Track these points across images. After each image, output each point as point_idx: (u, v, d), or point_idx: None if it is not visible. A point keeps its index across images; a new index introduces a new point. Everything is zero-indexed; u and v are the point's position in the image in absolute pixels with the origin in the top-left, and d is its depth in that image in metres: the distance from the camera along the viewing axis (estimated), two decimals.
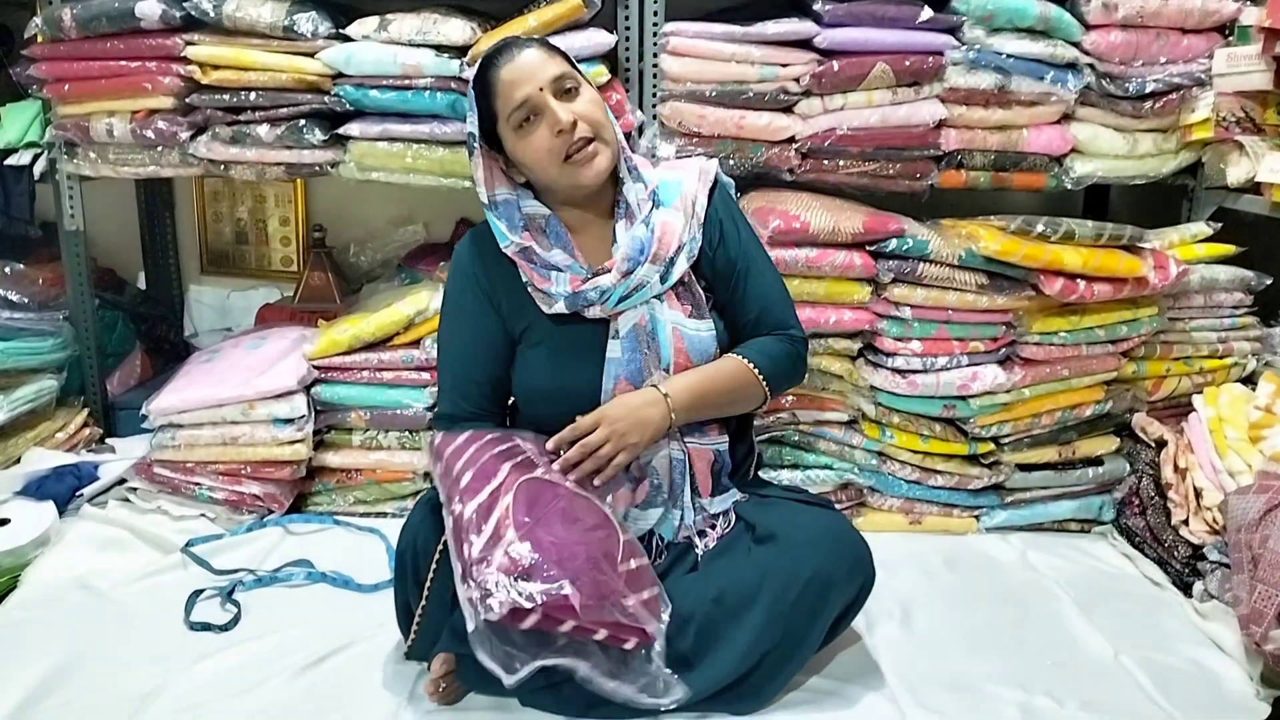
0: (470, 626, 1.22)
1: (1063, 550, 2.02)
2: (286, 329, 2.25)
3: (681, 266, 1.50)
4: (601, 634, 1.27)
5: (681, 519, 1.52)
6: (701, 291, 1.54)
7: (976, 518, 2.10)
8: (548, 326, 1.51)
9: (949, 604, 1.80)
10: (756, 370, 1.52)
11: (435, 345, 1.99)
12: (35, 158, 2.24)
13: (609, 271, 1.48)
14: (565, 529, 1.29)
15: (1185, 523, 1.88)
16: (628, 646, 1.30)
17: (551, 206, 1.53)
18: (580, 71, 1.52)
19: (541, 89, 1.44)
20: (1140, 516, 2.02)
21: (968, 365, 2.00)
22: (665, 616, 1.33)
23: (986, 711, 1.48)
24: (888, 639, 1.66)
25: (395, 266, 2.53)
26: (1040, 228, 1.93)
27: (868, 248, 1.96)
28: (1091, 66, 2.05)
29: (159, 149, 2.12)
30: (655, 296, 1.50)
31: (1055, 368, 2.03)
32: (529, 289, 1.51)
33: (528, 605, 1.21)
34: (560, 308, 1.48)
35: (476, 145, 1.49)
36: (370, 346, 2.05)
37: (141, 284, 2.75)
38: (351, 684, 1.50)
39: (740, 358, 1.53)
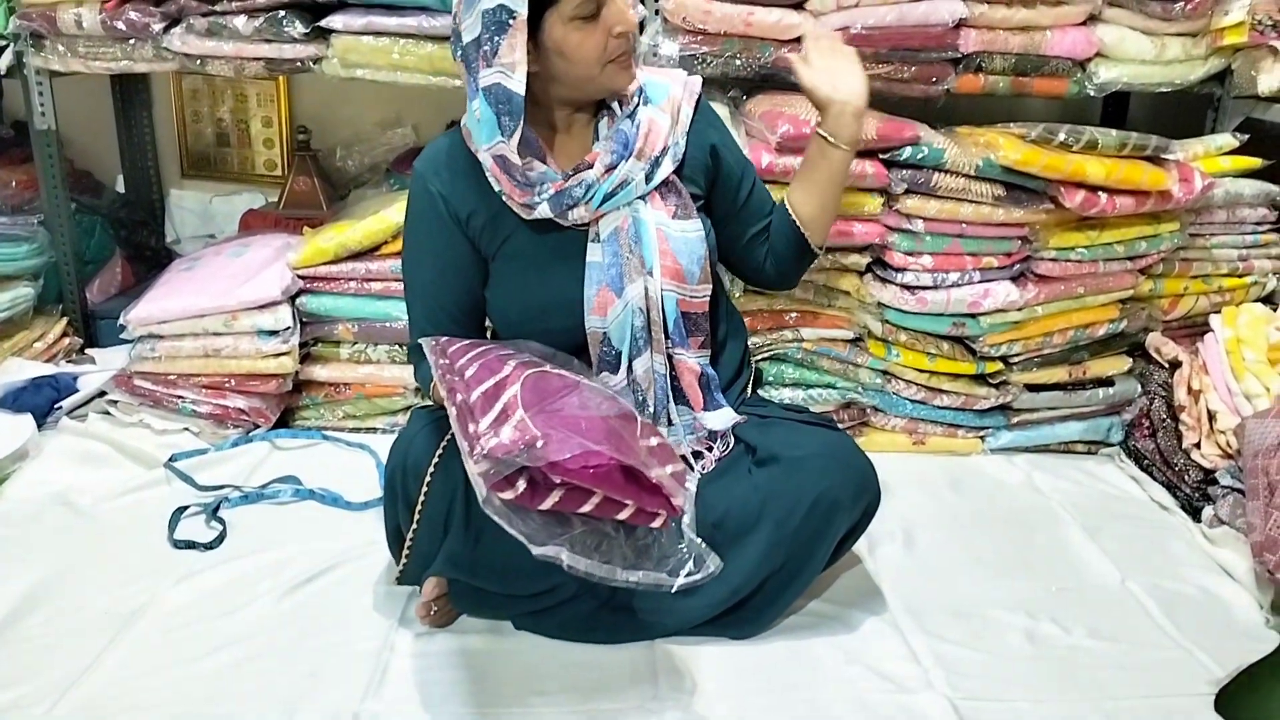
0: (480, 495, 1.09)
1: (1069, 472, 1.98)
2: (270, 236, 2.16)
3: (666, 168, 1.41)
4: (627, 511, 1.15)
5: (678, 437, 1.46)
6: (687, 192, 1.45)
7: (981, 438, 2.05)
8: (525, 237, 1.41)
9: (952, 526, 1.76)
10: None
11: None
12: (0, 50, 2.11)
13: (591, 167, 1.37)
14: (579, 409, 1.18)
15: (1197, 446, 1.84)
16: (656, 524, 1.17)
17: (539, 105, 1.40)
18: None
19: None
20: (1150, 439, 1.98)
21: (980, 281, 1.93)
22: (691, 488, 1.27)
23: (990, 637, 1.44)
24: (890, 562, 1.62)
25: (383, 171, 2.43)
26: (1062, 136, 1.83)
27: (880, 156, 1.86)
28: None
29: (131, 42, 2.00)
30: (639, 197, 1.41)
31: (1070, 285, 1.95)
32: (504, 198, 1.40)
33: (541, 463, 1.09)
34: (544, 211, 1.37)
35: (514, 20, 1.26)
36: (357, 255, 1.96)
37: (120, 187, 2.65)
38: (340, 605, 1.47)
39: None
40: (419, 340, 1.37)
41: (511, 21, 1.25)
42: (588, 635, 1.37)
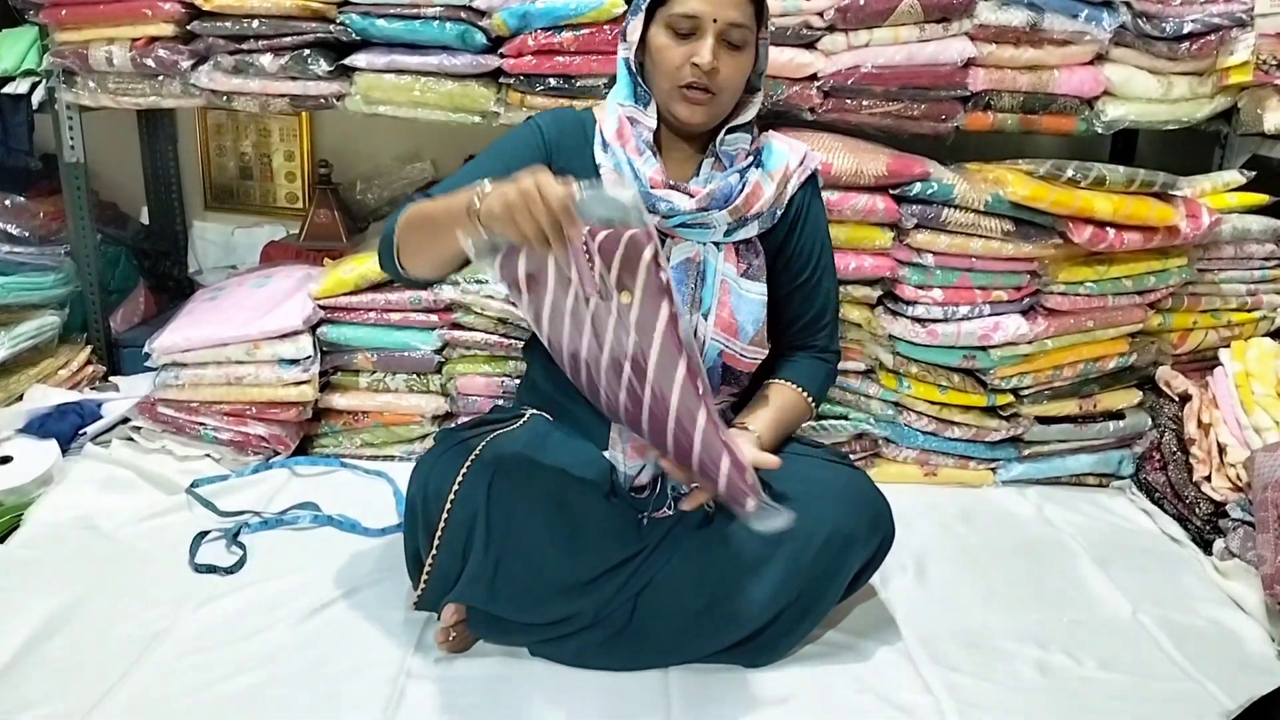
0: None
1: (1080, 505, 1.99)
2: (292, 268, 2.20)
3: (752, 230, 1.45)
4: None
5: None
6: (764, 258, 1.48)
7: (993, 470, 2.07)
8: None
9: (964, 558, 1.77)
10: (813, 404, 1.55)
11: (443, 285, 1.95)
12: (33, 86, 2.17)
13: (691, 196, 1.41)
14: None
15: (1208, 479, 1.85)
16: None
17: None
18: (762, 29, 1.43)
19: (715, 20, 1.36)
20: (1161, 472, 1.99)
21: (990, 315, 1.95)
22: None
23: (1002, 668, 1.45)
24: (902, 593, 1.63)
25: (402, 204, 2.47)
26: (1070, 172, 1.86)
27: (891, 191, 1.90)
28: (1127, 5, 1.96)
29: (160, 79, 2.05)
30: (714, 242, 1.44)
31: (1080, 319, 1.97)
32: (599, 169, 1.42)
33: None
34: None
35: (642, 5, 1.40)
36: (377, 287, 2.00)
37: (144, 219, 2.70)
38: (358, 630, 1.48)
39: (802, 393, 1.53)
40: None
41: (641, 5, 1.40)
42: (603, 662, 1.39)
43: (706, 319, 1.44)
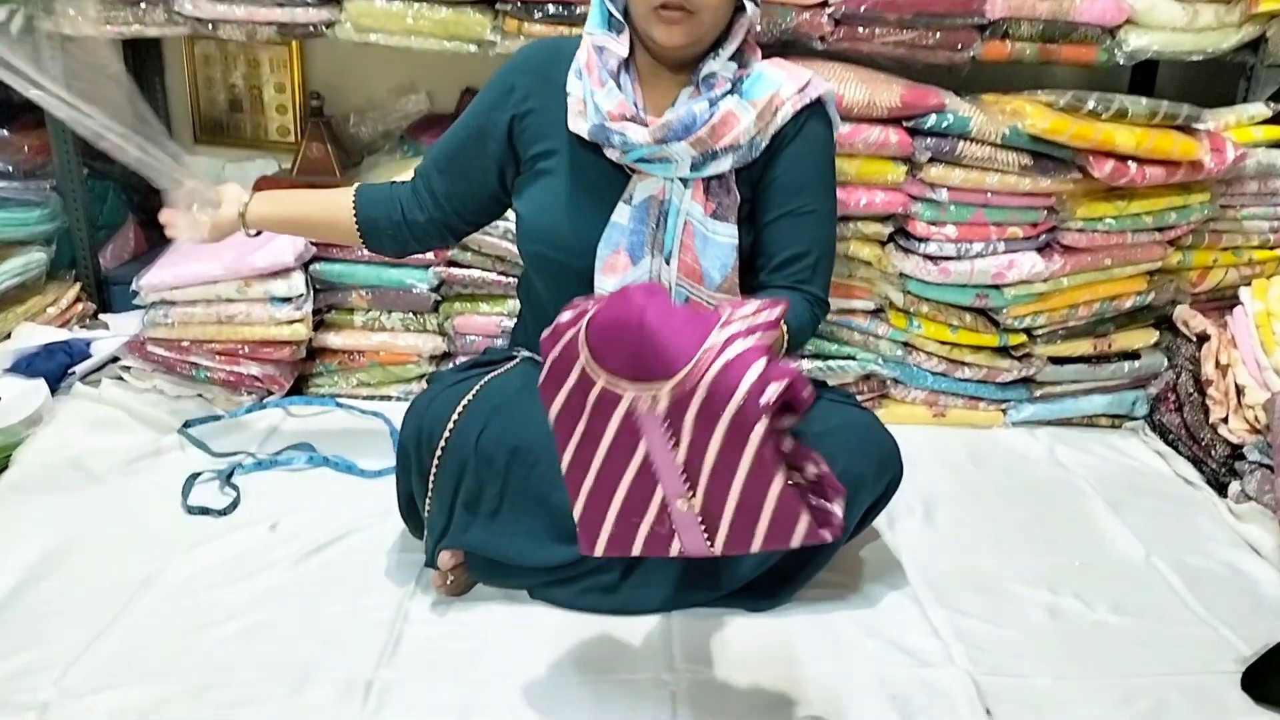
0: None
1: (1092, 446, 1.95)
2: None
3: (722, 165, 1.32)
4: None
5: None
6: (738, 196, 1.35)
7: (1003, 411, 2.02)
8: (567, 158, 1.36)
9: (973, 500, 1.73)
10: (784, 337, 1.37)
11: None
12: (11, 14, 2.09)
13: (645, 126, 1.30)
14: None
15: (1224, 421, 1.80)
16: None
17: (635, 41, 1.34)
18: None
19: None
20: (1176, 413, 1.94)
21: (1004, 252, 1.89)
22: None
23: (1012, 612, 1.42)
24: (910, 535, 1.60)
25: (397, 138, 2.39)
26: (1091, 104, 1.79)
27: (904, 124, 1.83)
28: None
29: (142, 6, 1.97)
30: (680, 179, 1.34)
31: (1097, 256, 1.91)
32: (568, 99, 1.34)
33: None
34: (582, 128, 1.32)
35: None
36: None
37: (135, 152, 2.62)
38: (354, 573, 1.45)
39: (779, 314, 1.38)
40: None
41: None
42: (605, 606, 1.36)
43: (669, 263, 1.35)
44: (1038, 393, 2.01)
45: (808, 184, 1.38)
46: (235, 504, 1.61)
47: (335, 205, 1.47)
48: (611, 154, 1.33)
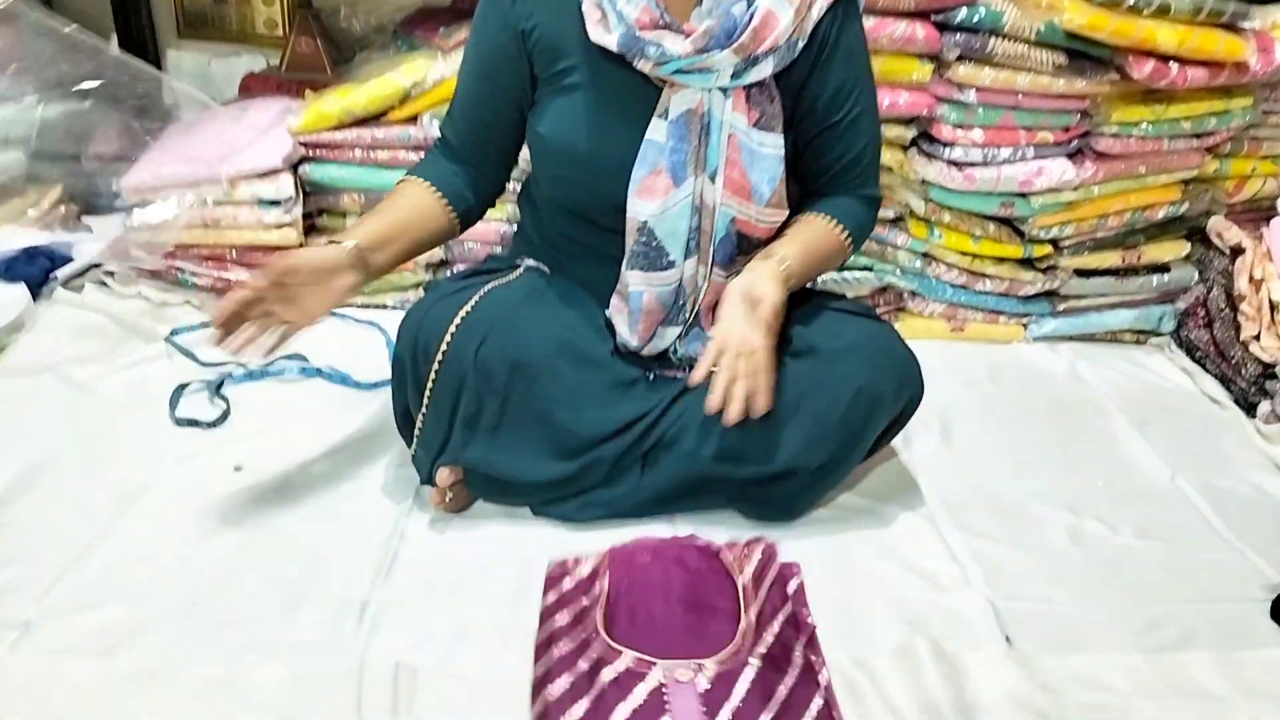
0: None
1: (1116, 363, 1.89)
2: (270, 100, 2.02)
3: (763, 71, 1.21)
4: None
5: (695, 341, 1.36)
6: (780, 103, 1.25)
7: (1024, 326, 1.95)
8: (590, 71, 1.24)
9: (992, 418, 1.67)
10: (848, 243, 1.33)
11: (434, 122, 1.79)
12: None
13: (685, 36, 1.18)
14: None
15: (1256, 338, 1.73)
16: None
17: None
18: None
19: None
20: (1205, 329, 1.87)
21: (1033, 158, 1.79)
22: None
23: (1031, 535, 1.37)
24: (926, 455, 1.54)
25: (391, 33, 2.26)
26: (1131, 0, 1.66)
27: (932, 18, 1.70)
28: None
29: None
30: (720, 88, 1.23)
31: (1131, 163, 1.81)
32: (581, 6, 1.21)
33: None
34: (610, 41, 1.19)
35: None
36: (362, 122, 1.82)
37: (114, 49, 2.49)
38: (349, 488, 1.39)
39: (837, 226, 1.31)
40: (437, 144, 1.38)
41: None
42: (610, 517, 1.31)
43: (714, 181, 1.25)
44: (1061, 307, 1.93)
45: (855, 85, 1.29)
46: (225, 416, 1.54)
47: (423, 207, 1.32)
48: (643, 66, 1.20)
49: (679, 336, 1.35)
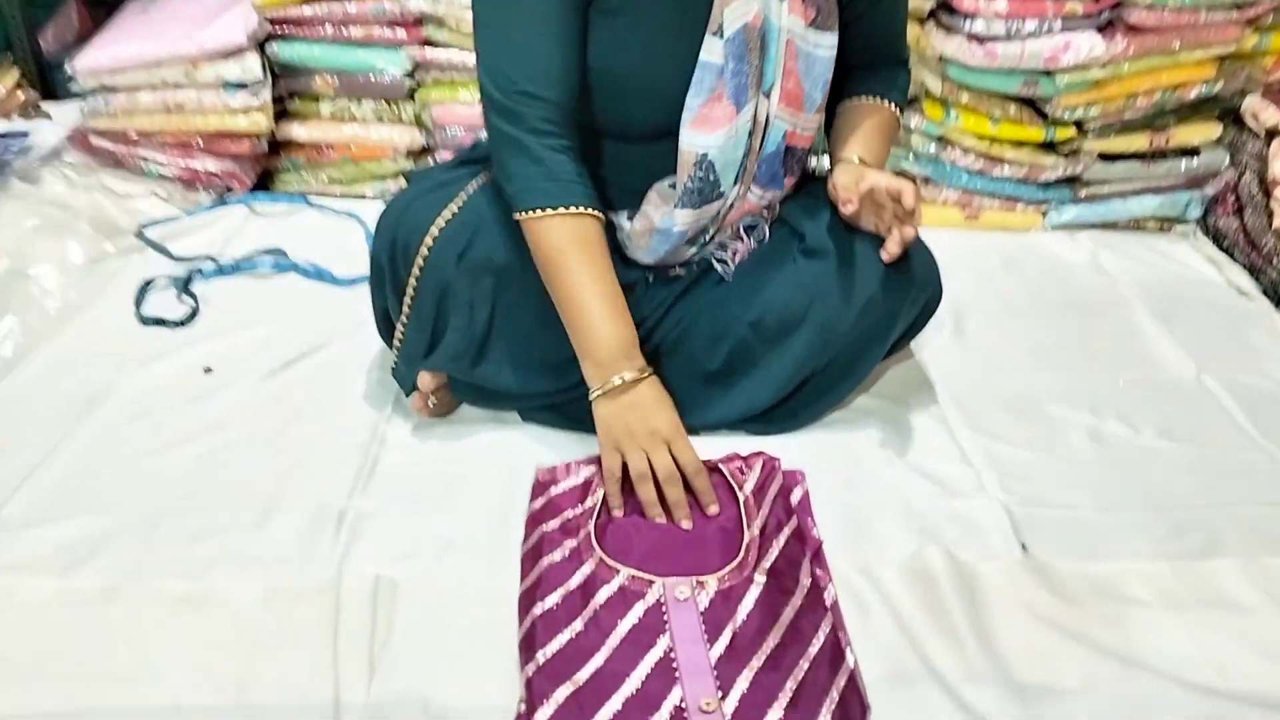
0: None
1: (1138, 252, 1.78)
2: None
3: None
4: None
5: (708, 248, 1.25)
6: None
7: (1042, 213, 1.84)
8: None
9: (1008, 311, 1.58)
10: (899, 114, 1.25)
11: None
12: None
13: None
14: None
15: None
16: None
17: None
18: None
19: None
20: (1235, 216, 1.76)
21: (1060, 31, 1.65)
22: None
23: (1049, 436, 1.29)
24: (939, 351, 1.45)
25: None
26: None
27: None
28: None
29: None
30: None
31: (1165, 37, 1.67)
32: None
33: None
34: None
35: None
36: None
37: None
38: (326, 391, 1.32)
39: (885, 103, 1.22)
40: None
41: None
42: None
43: (769, 97, 1.11)
44: (1082, 193, 1.82)
45: None
46: (194, 314, 1.46)
47: (602, 251, 1.10)
48: None
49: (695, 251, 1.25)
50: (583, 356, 1.09)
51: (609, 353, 1.07)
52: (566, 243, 1.06)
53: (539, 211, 1.05)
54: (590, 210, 1.07)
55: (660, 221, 1.15)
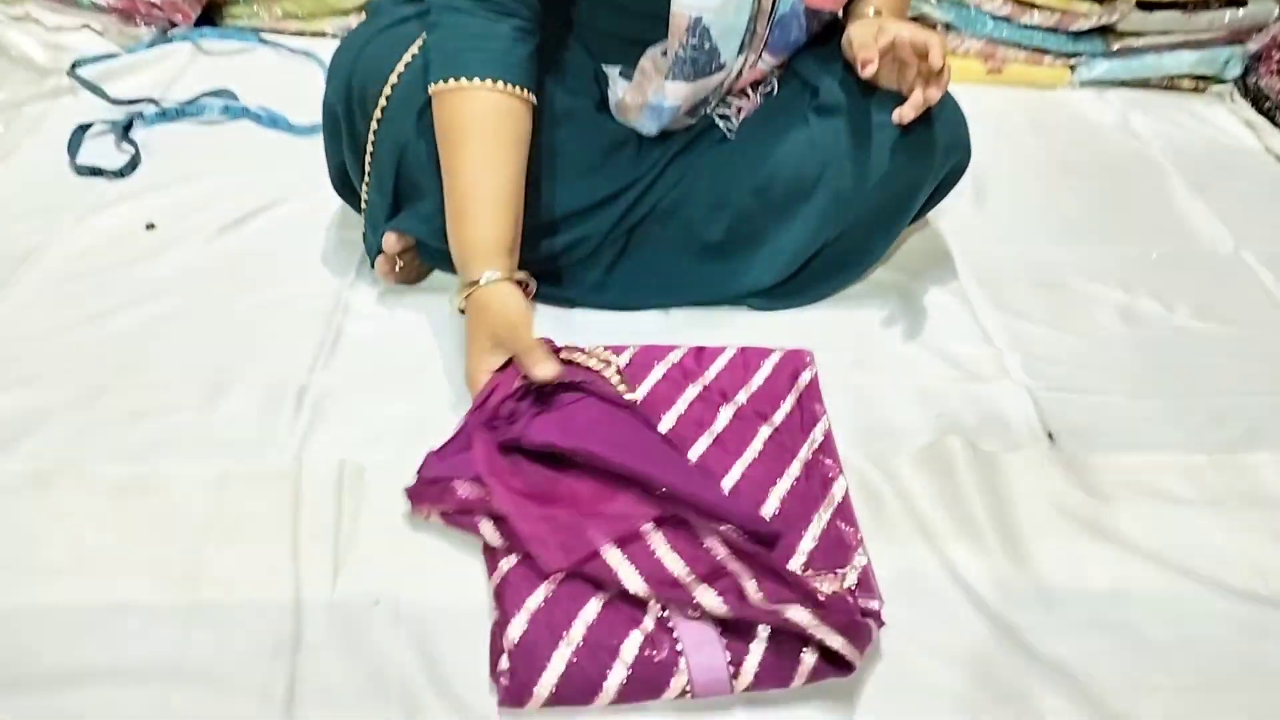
0: None
1: (1172, 113, 1.65)
2: None
3: None
4: None
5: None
6: None
7: (1071, 68, 1.69)
8: None
9: (1033, 177, 1.46)
10: None
11: None
12: None
13: None
14: None
15: None
16: None
17: None
18: None
19: None
20: (1278, 76, 1.61)
21: None
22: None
23: (1077, 314, 1.19)
24: (958, 220, 1.33)
25: None
26: None
27: None
28: None
29: None
30: None
31: None
32: None
33: None
34: None
35: None
36: None
37: None
38: (283, 253, 1.18)
39: None
40: None
41: None
42: (596, 299, 1.11)
43: None
44: (1115, 46, 1.66)
45: None
46: (134, 164, 1.31)
47: (518, 132, 0.95)
48: None
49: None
50: (453, 247, 0.95)
51: (475, 250, 0.93)
52: (470, 120, 0.92)
53: (451, 82, 0.91)
54: (515, 88, 0.92)
55: (651, 96, 1.00)
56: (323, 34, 1.64)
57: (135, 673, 0.75)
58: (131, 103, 1.42)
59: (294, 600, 0.81)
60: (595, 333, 1.07)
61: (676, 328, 1.10)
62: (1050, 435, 1.01)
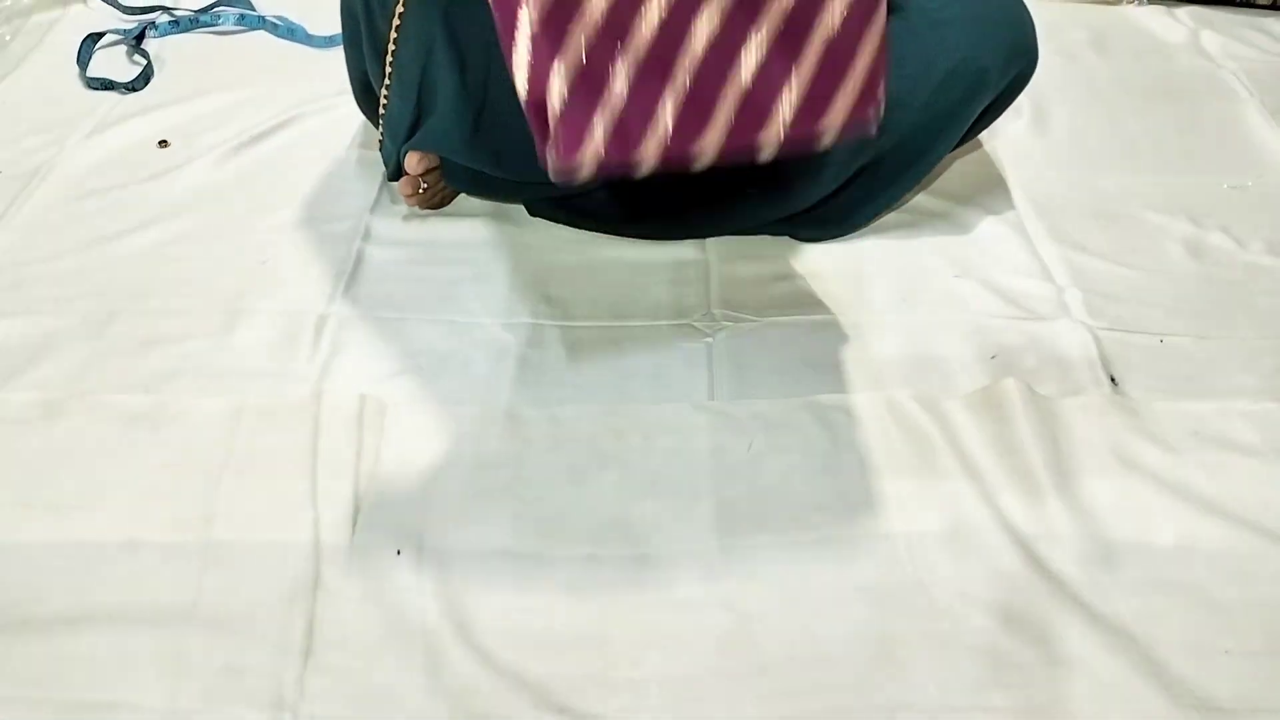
0: None
1: (1246, 33, 1.54)
2: None
3: None
4: None
5: None
6: None
7: None
8: None
9: (1095, 100, 1.37)
10: None
11: None
12: None
13: None
14: None
15: None
16: None
17: None
18: None
19: None
20: None
21: None
22: None
23: (1142, 249, 1.11)
24: (1014, 145, 1.25)
25: None
26: None
27: None
28: None
29: None
30: None
31: None
32: None
33: None
34: None
35: None
36: None
37: None
38: (301, 173, 1.14)
39: None
40: None
41: None
42: (626, 228, 1.05)
43: None
44: None
45: None
46: (146, 77, 1.26)
47: None
48: None
49: None
50: None
51: None
52: None
53: None
54: None
55: None
56: None
57: (147, 615, 0.72)
58: (144, 11, 1.36)
59: (313, 541, 0.78)
60: (615, 269, 1.01)
61: (713, 262, 1.04)
62: (1113, 379, 0.95)
